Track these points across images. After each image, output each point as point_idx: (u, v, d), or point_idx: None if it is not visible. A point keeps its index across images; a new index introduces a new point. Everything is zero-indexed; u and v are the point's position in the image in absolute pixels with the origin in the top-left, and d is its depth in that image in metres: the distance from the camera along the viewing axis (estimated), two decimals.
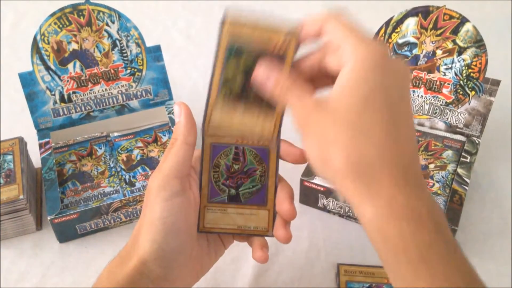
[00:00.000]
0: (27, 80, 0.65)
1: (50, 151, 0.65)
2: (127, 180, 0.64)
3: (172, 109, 0.71)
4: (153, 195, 0.41)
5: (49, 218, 0.57)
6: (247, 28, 0.39)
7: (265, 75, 0.39)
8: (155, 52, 0.70)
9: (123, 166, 0.66)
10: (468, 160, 0.64)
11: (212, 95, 0.42)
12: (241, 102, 0.42)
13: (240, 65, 0.40)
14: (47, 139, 0.66)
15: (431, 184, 0.61)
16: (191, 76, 0.88)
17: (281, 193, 0.44)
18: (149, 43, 0.70)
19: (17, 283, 0.57)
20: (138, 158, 0.68)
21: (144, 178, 0.65)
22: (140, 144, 0.70)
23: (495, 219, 0.62)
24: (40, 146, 0.66)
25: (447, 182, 0.61)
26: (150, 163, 0.67)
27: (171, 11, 1.04)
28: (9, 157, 0.63)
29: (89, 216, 0.59)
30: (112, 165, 0.67)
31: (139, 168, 0.66)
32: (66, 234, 0.60)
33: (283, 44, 0.40)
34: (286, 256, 0.59)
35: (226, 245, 0.47)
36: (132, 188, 0.63)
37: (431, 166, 0.64)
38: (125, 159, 0.67)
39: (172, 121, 0.71)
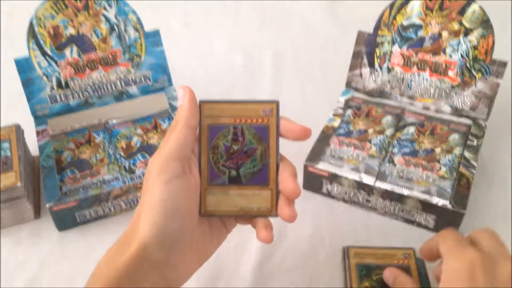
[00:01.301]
0: (23, 66, 0.63)
1: (47, 138, 0.63)
2: (127, 168, 0.63)
3: (173, 96, 0.70)
4: (153, 177, 0.39)
5: (47, 205, 0.56)
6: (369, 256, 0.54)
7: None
8: (154, 37, 0.68)
9: (122, 154, 0.65)
10: (474, 144, 0.62)
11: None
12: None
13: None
14: (44, 126, 0.65)
15: (438, 167, 0.60)
16: (190, 63, 0.86)
17: (284, 171, 0.42)
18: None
19: (16, 272, 0.56)
20: (138, 145, 0.66)
21: (144, 165, 0.63)
22: (139, 131, 0.68)
23: (502, 202, 0.61)
24: (38, 133, 0.64)
25: (454, 166, 0.60)
26: (150, 150, 0.66)
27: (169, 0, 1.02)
28: (6, 145, 0.62)
29: (89, 204, 0.58)
30: (111, 153, 0.65)
31: (138, 155, 0.65)
32: (65, 222, 0.59)
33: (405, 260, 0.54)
34: (290, 242, 0.58)
35: (229, 229, 0.46)
36: (132, 175, 0.62)
37: (437, 150, 0.62)
38: (124, 146, 0.66)
39: (172, 108, 0.69)
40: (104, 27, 0.65)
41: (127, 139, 0.67)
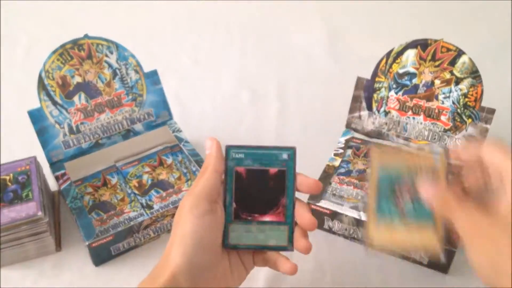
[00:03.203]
0: (36, 117, 0.68)
1: (69, 181, 0.68)
2: (144, 204, 0.68)
3: (175, 128, 0.76)
4: (186, 212, 0.46)
5: (87, 243, 0.60)
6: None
7: (427, 192, 0.45)
8: (153, 77, 0.74)
9: (136, 192, 0.70)
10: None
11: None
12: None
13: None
14: (62, 171, 0.69)
15: None
16: (199, 98, 0.92)
17: (300, 207, 0.49)
18: (158, 67, 0.74)
19: None
20: (149, 182, 0.71)
21: (160, 200, 0.68)
22: (147, 169, 0.73)
23: None
24: (57, 178, 0.68)
25: None
26: (162, 185, 0.70)
27: (178, 35, 1.08)
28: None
29: (123, 236, 0.63)
30: (129, 192, 0.70)
31: (152, 191, 0.70)
32: (101, 256, 0.63)
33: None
34: (293, 277, 0.62)
35: (248, 269, 0.51)
36: (152, 210, 0.67)
37: None
38: (137, 184, 0.71)
39: (180, 140, 0.74)
40: (107, 72, 0.71)
41: (137, 177, 0.72)
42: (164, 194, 0.69)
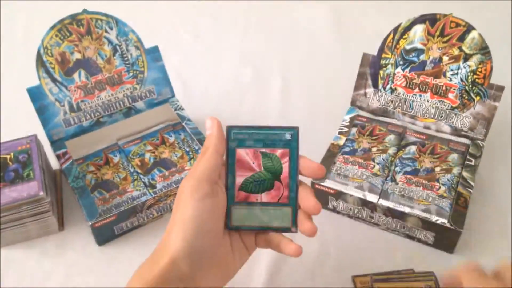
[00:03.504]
0: (35, 94, 0.66)
1: (71, 160, 0.67)
2: (147, 183, 0.67)
3: (177, 105, 0.74)
4: (186, 196, 0.44)
5: (90, 223, 0.60)
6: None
7: None
8: (154, 53, 0.73)
9: (139, 170, 0.69)
10: (472, 163, 0.66)
11: None
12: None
13: None
14: (64, 150, 0.68)
15: (437, 187, 0.64)
16: (201, 76, 0.90)
17: (303, 190, 0.48)
18: (159, 44, 0.72)
19: (44, 281, 0.60)
20: (152, 161, 0.70)
21: (162, 179, 0.67)
22: (149, 147, 0.72)
23: (498, 220, 0.65)
24: (59, 157, 0.67)
25: (452, 185, 0.64)
26: (165, 164, 0.70)
27: (178, 12, 1.06)
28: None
29: (126, 216, 0.62)
30: (132, 170, 0.69)
31: (155, 170, 0.69)
32: (104, 236, 0.63)
33: None
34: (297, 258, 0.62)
35: (250, 251, 0.50)
36: (154, 189, 0.66)
37: (437, 169, 0.66)
38: (139, 163, 0.70)
39: (182, 118, 0.73)
40: (107, 48, 0.69)
41: (139, 156, 0.71)
42: (166, 173, 0.68)
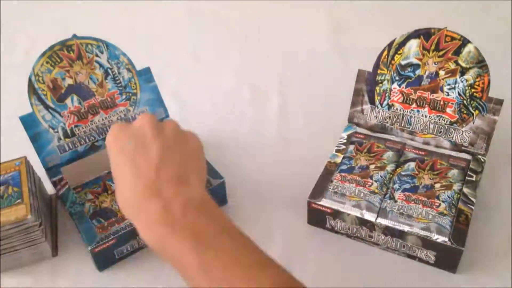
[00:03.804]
0: (28, 122, 0.66)
1: (67, 186, 0.66)
2: None
3: None
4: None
5: (89, 248, 0.59)
6: None
7: None
8: (146, 74, 0.72)
9: None
10: (473, 179, 0.64)
11: None
12: None
13: None
14: (60, 176, 0.67)
15: (437, 204, 0.62)
16: (200, 96, 0.90)
17: None
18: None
19: None
20: None
21: None
22: None
23: (501, 237, 0.63)
24: (55, 184, 0.66)
25: (453, 202, 0.62)
26: None
27: (177, 32, 1.06)
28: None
29: (126, 239, 0.61)
30: None
31: None
32: (105, 261, 0.62)
33: None
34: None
35: None
36: None
37: (437, 185, 0.64)
38: None
39: None
40: (98, 72, 0.69)
41: None
42: None
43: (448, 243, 0.57)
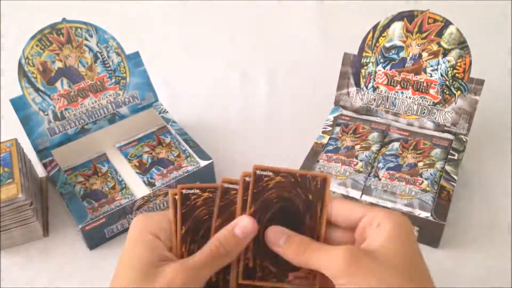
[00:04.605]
0: (19, 105, 0.67)
1: (57, 167, 0.67)
2: (146, 182, 0.68)
3: (162, 109, 0.75)
4: None
5: (80, 226, 0.60)
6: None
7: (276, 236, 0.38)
8: (135, 58, 0.73)
9: (138, 171, 0.70)
10: (455, 158, 0.66)
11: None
12: None
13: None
14: (50, 158, 0.68)
15: (420, 181, 0.64)
16: (189, 84, 0.91)
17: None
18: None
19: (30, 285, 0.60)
20: (149, 161, 0.71)
21: (161, 177, 0.69)
22: (146, 148, 0.73)
23: (483, 214, 0.65)
24: (45, 165, 0.67)
25: (435, 179, 0.64)
26: (162, 163, 0.71)
27: (167, 19, 1.07)
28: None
29: (116, 218, 0.62)
30: (120, 179, 0.69)
31: (153, 169, 0.70)
32: (95, 240, 0.63)
33: None
34: None
35: None
36: (154, 188, 0.66)
37: (420, 164, 0.66)
38: (137, 164, 0.71)
39: (167, 120, 0.74)
40: (88, 56, 0.70)
41: (138, 157, 0.72)
42: (165, 171, 0.69)
43: (431, 218, 0.59)
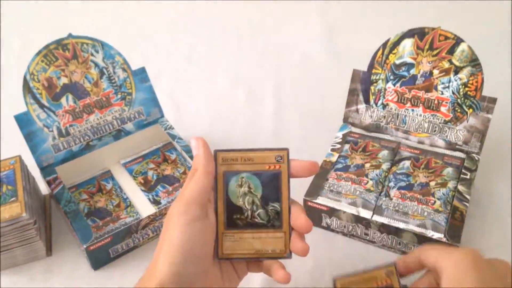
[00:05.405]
0: (23, 121, 0.65)
1: (62, 185, 0.65)
2: (152, 200, 0.67)
3: (167, 125, 0.74)
4: (174, 219, 0.43)
5: (84, 246, 0.58)
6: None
7: None
8: (141, 74, 0.72)
9: (143, 188, 0.69)
10: (468, 177, 0.65)
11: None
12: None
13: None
14: (54, 175, 0.67)
15: (432, 201, 0.62)
16: (195, 99, 0.90)
17: (294, 209, 0.46)
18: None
19: None
20: (155, 178, 0.70)
21: (166, 194, 0.67)
22: (151, 165, 0.72)
23: (496, 234, 0.63)
24: (49, 182, 0.66)
25: (448, 199, 0.62)
26: (168, 180, 0.69)
27: (172, 35, 1.06)
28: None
29: (121, 237, 0.61)
30: (125, 197, 0.68)
31: (159, 186, 0.69)
32: (100, 259, 0.61)
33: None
34: (292, 277, 0.60)
35: (240, 276, 0.48)
36: (159, 206, 0.65)
37: (432, 183, 0.65)
38: (142, 181, 0.70)
39: (172, 137, 0.73)
40: (94, 72, 0.69)
41: (142, 174, 0.71)
42: (170, 188, 0.68)
43: (444, 240, 0.57)
